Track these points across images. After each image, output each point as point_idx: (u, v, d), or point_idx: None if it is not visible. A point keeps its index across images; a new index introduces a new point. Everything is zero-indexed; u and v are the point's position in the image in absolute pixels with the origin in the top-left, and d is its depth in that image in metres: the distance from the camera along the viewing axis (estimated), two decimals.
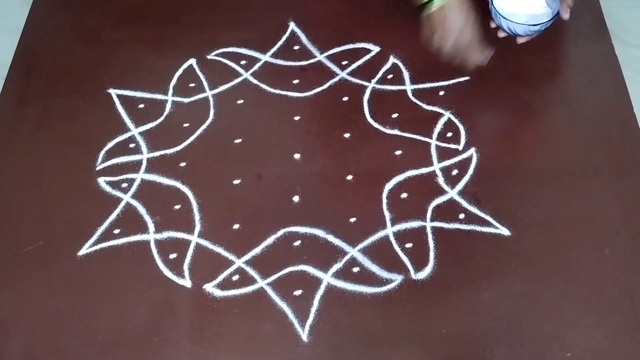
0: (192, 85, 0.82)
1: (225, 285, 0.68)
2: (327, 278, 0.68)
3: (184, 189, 0.74)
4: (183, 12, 0.88)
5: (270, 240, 0.70)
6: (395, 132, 0.77)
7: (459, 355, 0.63)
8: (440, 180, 0.73)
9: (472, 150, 0.75)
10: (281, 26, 0.86)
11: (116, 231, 0.71)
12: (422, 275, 0.67)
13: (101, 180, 0.75)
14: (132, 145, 0.77)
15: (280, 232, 0.70)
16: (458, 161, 0.75)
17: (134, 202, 0.73)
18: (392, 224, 0.71)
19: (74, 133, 0.78)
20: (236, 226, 0.71)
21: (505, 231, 0.70)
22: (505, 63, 0.81)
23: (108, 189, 0.74)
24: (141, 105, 0.80)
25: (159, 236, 0.71)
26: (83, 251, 0.70)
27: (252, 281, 0.68)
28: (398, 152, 0.76)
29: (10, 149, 0.77)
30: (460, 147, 0.76)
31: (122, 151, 0.77)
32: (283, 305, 0.66)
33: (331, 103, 0.80)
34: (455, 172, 0.74)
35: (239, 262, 0.69)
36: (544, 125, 0.78)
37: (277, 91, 0.81)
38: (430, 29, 0.74)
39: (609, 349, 0.63)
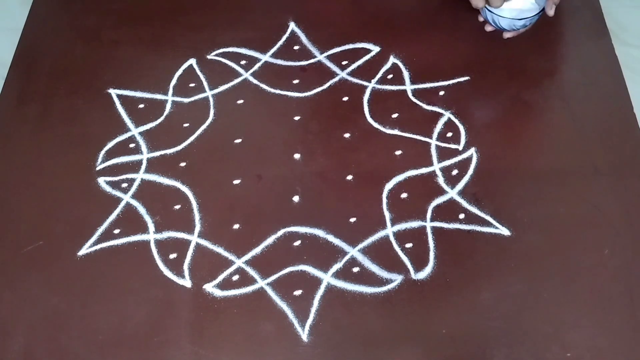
0: (192, 85, 0.82)
1: (225, 285, 0.68)
2: (327, 278, 0.68)
3: (184, 189, 0.74)
4: (183, 12, 0.88)
5: (270, 240, 0.70)
6: (395, 132, 0.77)
7: (459, 355, 0.63)
8: (440, 180, 0.73)
9: (472, 150, 0.75)
10: (281, 26, 0.86)
11: (116, 231, 0.71)
12: (422, 275, 0.67)
13: (101, 180, 0.75)
14: (132, 145, 0.77)
15: (280, 232, 0.70)
16: (458, 161, 0.75)
17: (134, 202, 0.73)
18: (392, 224, 0.70)
19: (74, 133, 0.78)
20: (236, 226, 0.71)
21: (505, 231, 0.70)
22: (505, 63, 0.81)
23: (108, 189, 0.74)
24: (141, 105, 0.80)
25: (159, 236, 0.71)
26: (83, 251, 0.70)
27: (252, 281, 0.68)
28: (398, 152, 0.76)
29: (10, 149, 0.77)
30: (460, 147, 0.76)
31: (122, 151, 0.77)
32: (283, 305, 0.66)
33: (331, 103, 0.80)
34: (455, 172, 0.74)
35: (239, 262, 0.69)
36: (544, 125, 0.78)
37: (277, 91, 0.81)
38: None
39: (609, 349, 0.63)
